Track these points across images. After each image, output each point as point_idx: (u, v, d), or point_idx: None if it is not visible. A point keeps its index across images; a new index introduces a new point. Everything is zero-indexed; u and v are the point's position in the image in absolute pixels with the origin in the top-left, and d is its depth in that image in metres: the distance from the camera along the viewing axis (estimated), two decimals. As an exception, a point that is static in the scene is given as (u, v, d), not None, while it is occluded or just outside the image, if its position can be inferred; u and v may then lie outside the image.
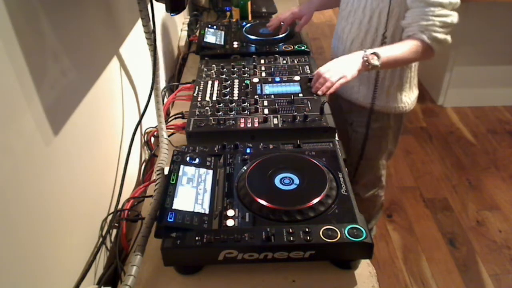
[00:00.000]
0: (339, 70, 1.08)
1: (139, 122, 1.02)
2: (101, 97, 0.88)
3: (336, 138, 0.98)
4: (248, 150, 0.91)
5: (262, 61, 1.29)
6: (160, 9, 1.40)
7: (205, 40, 1.44)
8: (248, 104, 1.06)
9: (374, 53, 1.09)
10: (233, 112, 1.04)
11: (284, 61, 1.28)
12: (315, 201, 0.74)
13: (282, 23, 1.47)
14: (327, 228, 0.70)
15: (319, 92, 1.08)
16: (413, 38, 1.13)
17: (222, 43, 1.46)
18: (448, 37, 1.14)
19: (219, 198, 0.78)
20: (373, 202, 1.66)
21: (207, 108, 1.05)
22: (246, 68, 1.24)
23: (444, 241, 1.98)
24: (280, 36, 1.45)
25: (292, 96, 1.08)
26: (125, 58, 1.03)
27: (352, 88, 1.37)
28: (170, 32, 1.66)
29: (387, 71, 1.31)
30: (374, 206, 1.70)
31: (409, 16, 1.14)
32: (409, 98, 1.38)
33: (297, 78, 1.18)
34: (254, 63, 1.27)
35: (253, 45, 1.43)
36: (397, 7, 1.19)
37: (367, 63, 1.09)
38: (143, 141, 1.16)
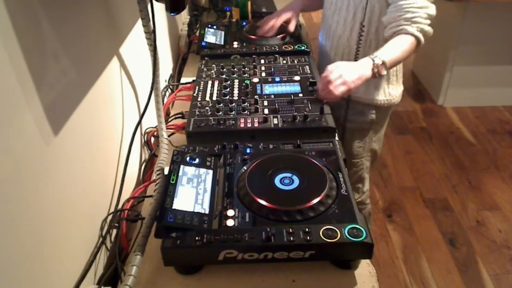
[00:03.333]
0: (346, 82, 1.03)
1: (139, 122, 1.02)
2: (101, 97, 0.88)
3: (336, 138, 0.98)
4: (248, 150, 0.91)
5: (262, 61, 1.29)
6: (160, 9, 1.40)
7: (205, 40, 1.44)
8: (248, 104, 1.06)
9: (383, 63, 1.07)
10: (233, 112, 1.04)
11: (284, 61, 1.28)
12: (315, 201, 0.74)
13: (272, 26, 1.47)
14: (327, 228, 0.70)
15: (319, 97, 1.07)
16: (402, 33, 1.13)
17: (222, 43, 1.46)
18: (432, 30, 1.15)
19: (219, 198, 0.78)
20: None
21: (207, 108, 1.05)
22: (246, 68, 1.24)
23: (444, 241, 1.98)
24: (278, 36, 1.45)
25: (292, 96, 1.07)
26: (125, 58, 1.03)
27: None
28: (170, 32, 1.66)
29: None
30: None
31: (391, 10, 1.15)
32: (396, 91, 1.39)
33: (297, 78, 1.18)
34: (254, 63, 1.27)
35: (253, 45, 1.42)
36: (377, 3, 1.21)
37: (376, 75, 1.08)
38: (143, 141, 1.16)
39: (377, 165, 1.66)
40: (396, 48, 1.13)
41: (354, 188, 1.56)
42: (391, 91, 1.38)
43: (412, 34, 1.12)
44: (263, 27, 1.47)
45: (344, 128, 1.44)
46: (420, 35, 1.12)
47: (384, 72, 1.09)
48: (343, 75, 1.03)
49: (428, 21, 1.13)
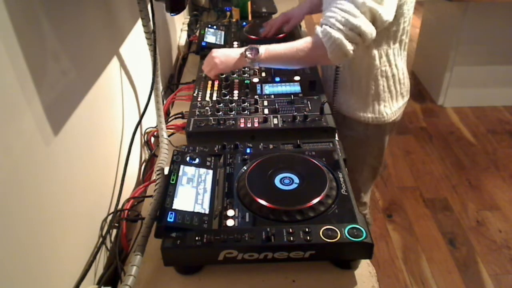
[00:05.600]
0: (214, 63, 1.11)
1: (139, 122, 1.02)
2: (101, 97, 0.88)
3: (336, 138, 0.98)
4: (248, 150, 0.91)
5: (262, 61, 1.29)
6: (160, 9, 1.40)
7: (205, 40, 1.44)
8: (248, 104, 1.06)
9: (255, 48, 1.07)
10: (233, 112, 1.04)
11: (284, 61, 1.28)
12: (315, 201, 0.74)
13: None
14: (327, 228, 0.70)
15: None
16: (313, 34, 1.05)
17: (222, 43, 1.46)
18: (347, 44, 0.97)
19: (219, 198, 0.78)
20: None
21: (207, 108, 1.05)
22: (246, 68, 1.24)
23: (444, 241, 1.98)
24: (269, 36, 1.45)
25: (292, 96, 1.07)
26: (125, 58, 1.03)
27: (337, 99, 1.29)
28: (170, 32, 1.66)
29: (361, 80, 1.22)
30: None
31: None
32: (389, 108, 1.26)
33: (297, 78, 1.18)
34: (254, 63, 1.27)
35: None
36: None
37: (245, 57, 1.08)
38: (143, 141, 1.16)
39: (377, 179, 1.59)
40: (286, 43, 1.09)
41: None
42: (382, 109, 1.25)
43: (316, 35, 1.02)
44: (265, 28, 1.47)
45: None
46: (322, 36, 1.00)
47: (252, 56, 1.07)
48: (212, 57, 1.13)
49: (345, 28, 0.97)
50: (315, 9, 1.52)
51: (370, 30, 0.98)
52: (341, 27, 0.98)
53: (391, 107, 1.27)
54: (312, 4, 1.50)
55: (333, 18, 0.98)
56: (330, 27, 0.99)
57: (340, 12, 0.98)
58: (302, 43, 1.05)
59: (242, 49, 1.10)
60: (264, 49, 1.07)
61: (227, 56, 1.12)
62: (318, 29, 1.02)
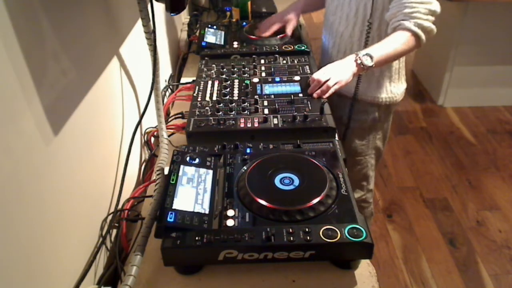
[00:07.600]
0: (334, 75, 1.08)
1: (139, 122, 1.02)
2: (101, 97, 0.88)
3: (336, 138, 0.98)
4: (248, 150, 0.91)
5: (262, 61, 1.29)
6: (160, 9, 1.40)
7: (205, 40, 1.44)
8: (248, 104, 1.06)
9: (367, 54, 1.10)
10: (233, 112, 1.04)
11: (284, 61, 1.28)
12: (315, 201, 0.74)
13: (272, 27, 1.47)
14: (327, 228, 0.70)
15: (315, 95, 1.08)
16: (400, 29, 1.14)
17: (222, 43, 1.46)
18: (434, 27, 1.14)
19: (219, 198, 0.78)
20: (361, 209, 1.63)
21: (207, 108, 1.05)
22: (246, 68, 1.24)
23: (444, 241, 1.98)
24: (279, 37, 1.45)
25: (292, 96, 1.07)
26: (125, 58, 1.03)
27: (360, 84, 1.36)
28: (170, 32, 1.66)
29: None
30: (362, 214, 1.65)
31: (393, 6, 1.16)
32: (398, 89, 1.39)
33: (297, 78, 1.18)
34: (254, 63, 1.27)
35: (253, 45, 1.42)
36: None
37: (361, 66, 1.10)
38: (143, 141, 1.16)
39: (380, 162, 1.65)
40: (388, 43, 1.14)
41: (358, 186, 1.56)
42: (393, 89, 1.38)
43: (409, 29, 1.12)
44: (261, 28, 1.47)
45: (347, 126, 1.44)
46: (418, 30, 1.12)
47: (368, 63, 1.10)
48: (327, 70, 1.10)
49: (429, 17, 1.13)
50: (308, 9, 1.54)
51: (439, 8, 1.15)
52: (427, 17, 1.13)
53: (399, 88, 1.40)
54: (305, 4, 1.51)
55: (418, 12, 1.12)
56: (419, 20, 1.12)
57: (420, 5, 1.11)
58: (403, 41, 1.13)
59: (354, 58, 1.11)
60: (377, 57, 1.11)
61: (342, 69, 1.11)
62: (408, 24, 1.12)
